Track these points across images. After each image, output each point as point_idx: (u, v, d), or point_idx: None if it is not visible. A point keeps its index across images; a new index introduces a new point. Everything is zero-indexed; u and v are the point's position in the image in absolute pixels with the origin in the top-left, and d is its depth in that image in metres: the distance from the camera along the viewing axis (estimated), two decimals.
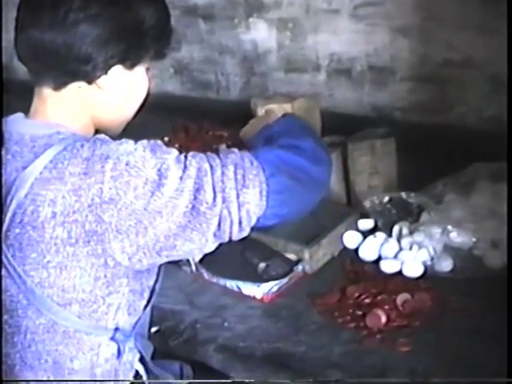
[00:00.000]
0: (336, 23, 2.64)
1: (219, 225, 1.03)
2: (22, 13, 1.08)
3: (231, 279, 1.73)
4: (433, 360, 1.44)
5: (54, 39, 1.03)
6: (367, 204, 1.93)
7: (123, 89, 1.11)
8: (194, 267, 1.79)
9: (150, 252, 1.03)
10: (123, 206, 0.99)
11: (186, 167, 1.02)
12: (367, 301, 1.63)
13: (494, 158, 1.93)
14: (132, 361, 1.17)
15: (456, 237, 1.78)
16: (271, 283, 1.69)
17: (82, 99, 1.09)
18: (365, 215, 1.94)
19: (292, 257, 1.78)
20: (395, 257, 1.79)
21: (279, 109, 1.89)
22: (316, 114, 2.27)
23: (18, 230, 1.02)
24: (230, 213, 1.03)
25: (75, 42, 1.04)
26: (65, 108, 1.09)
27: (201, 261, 1.79)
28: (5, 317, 1.07)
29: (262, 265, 1.75)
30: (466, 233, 1.78)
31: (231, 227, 1.04)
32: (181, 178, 1.01)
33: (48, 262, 1.02)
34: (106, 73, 1.08)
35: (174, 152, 1.05)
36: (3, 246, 1.03)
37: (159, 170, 1.01)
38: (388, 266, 1.77)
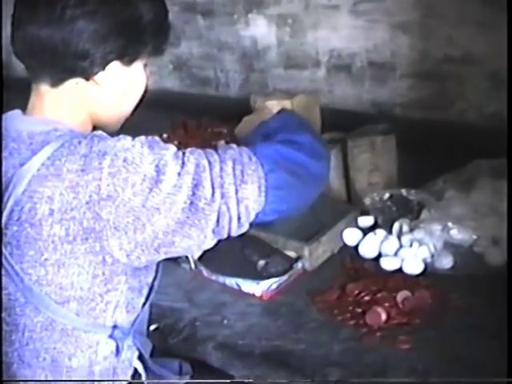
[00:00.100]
0: (336, 19, 2.64)
1: (218, 221, 1.03)
2: (18, 9, 1.07)
3: (230, 276, 1.72)
4: (433, 358, 1.44)
5: (50, 35, 1.03)
6: (367, 201, 1.93)
7: (121, 85, 1.10)
8: (193, 264, 1.79)
9: (148, 249, 1.02)
10: (121, 202, 0.98)
11: (184, 163, 1.02)
12: (367, 298, 1.62)
13: (494, 155, 1.93)
14: (131, 359, 1.16)
15: (456, 234, 1.78)
16: (271, 280, 1.68)
17: (79, 96, 1.09)
18: (365, 212, 1.94)
19: (291, 254, 1.78)
20: (395, 254, 1.79)
21: (278, 105, 1.89)
22: (316, 110, 2.27)
23: (15, 228, 1.01)
24: (228, 208, 1.03)
25: (72, 38, 1.03)
26: (62, 104, 1.09)
27: (200, 258, 1.79)
28: (2, 315, 1.07)
29: (262, 262, 1.74)
30: (466, 230, 1.78)
31: (230, 223, 1.04)
32: (179, 174, 1.00)
33: (46, 259, 1.01)
34: (104, 69, 1.07)
35: (172, 148, 1.04)
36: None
37: (157, 166, 1.00)
38: (388, 264, 1.77)
